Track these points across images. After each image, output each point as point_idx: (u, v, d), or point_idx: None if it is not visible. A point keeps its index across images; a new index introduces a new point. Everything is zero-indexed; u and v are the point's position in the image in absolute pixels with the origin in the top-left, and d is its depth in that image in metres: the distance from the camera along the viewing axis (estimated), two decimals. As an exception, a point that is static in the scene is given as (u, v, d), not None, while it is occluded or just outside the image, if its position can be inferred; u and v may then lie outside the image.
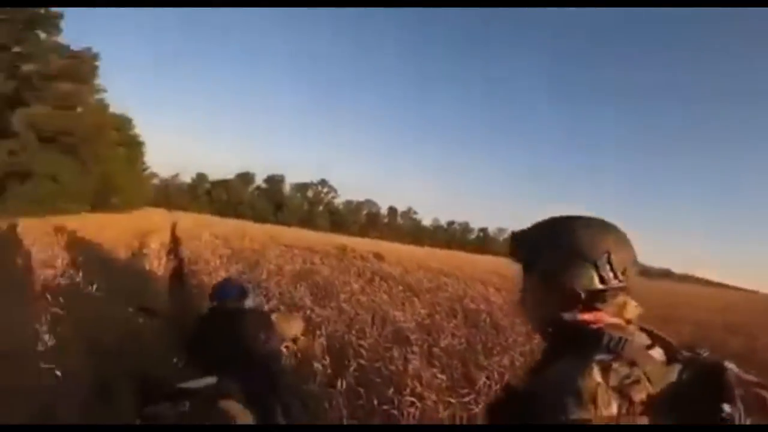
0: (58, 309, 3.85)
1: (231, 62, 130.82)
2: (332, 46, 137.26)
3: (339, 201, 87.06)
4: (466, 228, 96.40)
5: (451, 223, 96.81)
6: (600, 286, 0.83)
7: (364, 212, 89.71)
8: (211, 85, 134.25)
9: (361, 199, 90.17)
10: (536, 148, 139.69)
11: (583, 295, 0.84)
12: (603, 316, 0.85)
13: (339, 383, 2.85)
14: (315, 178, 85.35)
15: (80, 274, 5.64)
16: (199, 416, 1.59)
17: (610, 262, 0.83)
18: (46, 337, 3.12)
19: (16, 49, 11.71)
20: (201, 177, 78.04)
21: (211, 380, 1.80)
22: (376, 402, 2.76)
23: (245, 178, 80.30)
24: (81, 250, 8.39)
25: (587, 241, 0.85)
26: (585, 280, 0.83)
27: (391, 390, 2.85)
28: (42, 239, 8.96)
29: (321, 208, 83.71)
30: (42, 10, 12.05)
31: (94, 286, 5.17)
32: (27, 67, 12.96)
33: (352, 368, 3.16)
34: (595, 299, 0.84)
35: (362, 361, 3.33)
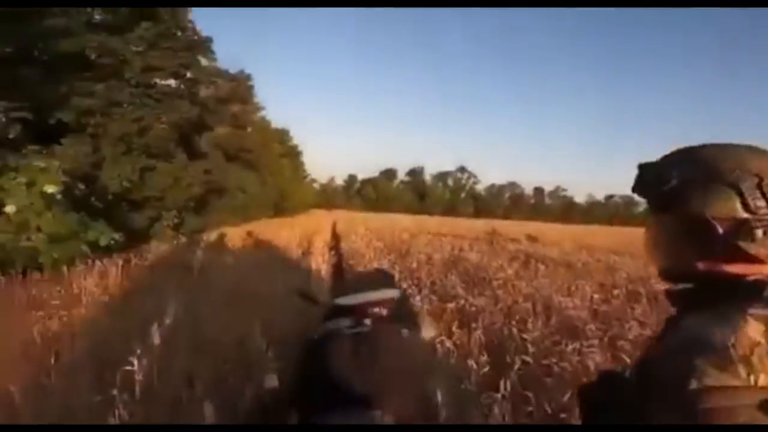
0: (249, 307, 4.39)
1: (363, 65, 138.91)
2: (457, 38, 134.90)
3: (480, 186, 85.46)
4: (630, 201, 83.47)
5: (610, 197, 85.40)
6: (744, 215, 0.64)
7: (507, 195, 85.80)
8: (345, 89, 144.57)
9: (503, 182, 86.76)
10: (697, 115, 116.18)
11: (720, 229, 0.65)
12: (761, 268, 0.65)
13: (502, 385, 2.47)
14: (453, 166, 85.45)
15: (263, 273, 6.49)
16: (381, 340, 1.38)
17: (760, 187, 0.64)
18: (239, 333, 3.54)
19: (188, 75, 13.92)
20: (352, 177, 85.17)
21: (391, 292, 1.62)
22: (548, 409, 2.35)
23: (389, 174, 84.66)
24: (264, 251, 9.81)
25: (729, 163, 0.66)
26: (724, 208, 0.65)
27: (569, 395, 2.38)
28: (237, 243, 10.82)
29: (463, 195, 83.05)
30: (195, 35, 14.02)
31: (273, 284, 5.83)
32: (203, 93, 15.42)
33: (516, 366, 2.79)
34: (740, 235, 0.65)
35: (527, 358, 2.92)
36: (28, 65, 9.95)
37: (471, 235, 15.92)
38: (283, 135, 34.44)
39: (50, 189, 6.53)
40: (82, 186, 7.77)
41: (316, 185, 69.53)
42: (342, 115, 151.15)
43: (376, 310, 1.54)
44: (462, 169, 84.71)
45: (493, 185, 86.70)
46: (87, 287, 5.10)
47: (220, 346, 3.22)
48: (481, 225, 22.29)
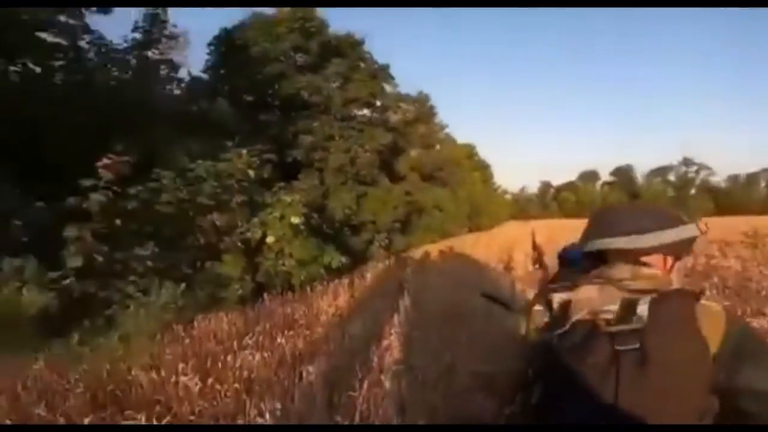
0: (457, 327, 4.36)
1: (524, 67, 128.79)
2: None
3: (717, 178, 67.64)
4: None
5: None
6: None
7: (763, 184, 65.18)
8: (525, 92, 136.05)
9: (754, 169, 66.47)
10: None
11: None
12: None
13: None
14: (673, 161, 70.35)
15: (466, 290, 6.43)
16: (667, 348, 0.86)
17: None
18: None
19: (378, 103, 15.14)
20: (545, 184, 79.50)
21: (690, 230, 0.94)
22: None
23: (589, 176, 75.75)
24: (465, 267, 9.86)
25: None
26: None
27: None
28: (438, 260, 11.25)
29: (693, 190, 67.12)
30: (375, 64, 14.84)
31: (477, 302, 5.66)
32: (393, 118, 16.56)
33: None
34: None
35: None
36: (265, 110, 12.55)
37: (718, 237, 12.58)
38: (470, 149, 34.72)
39: (296, 220, 8.06)
40: (315, 215, 9.33)
41: (508, 196, 67.59)
42: (527, 123, 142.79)
43: (655, 263, 0.95)
44: (687, 162, 68.78)
45: (737, 175, 67.52)
46: (323, 307, 5.64)
47: (432, 370, 3.18)
48: (731, 224, 17.35)
